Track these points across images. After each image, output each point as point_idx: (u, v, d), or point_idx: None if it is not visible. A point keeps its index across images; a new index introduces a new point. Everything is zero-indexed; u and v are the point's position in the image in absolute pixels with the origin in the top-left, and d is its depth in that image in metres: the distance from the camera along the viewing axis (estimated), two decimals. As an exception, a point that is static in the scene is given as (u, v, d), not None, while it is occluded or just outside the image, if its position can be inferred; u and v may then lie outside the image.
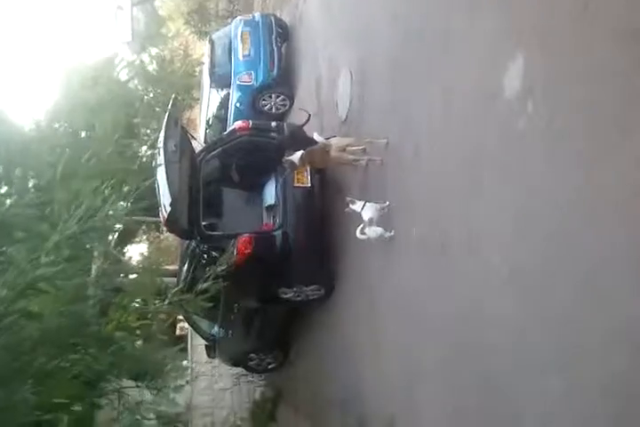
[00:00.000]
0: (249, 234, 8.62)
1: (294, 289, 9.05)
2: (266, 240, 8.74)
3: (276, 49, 12.79)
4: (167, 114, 8.77)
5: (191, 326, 11.23)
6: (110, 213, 6.10)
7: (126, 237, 24.52)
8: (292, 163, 7.77)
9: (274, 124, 9.58)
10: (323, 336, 9.63)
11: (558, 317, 4.10)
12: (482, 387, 5.07)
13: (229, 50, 13.12)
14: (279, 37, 12.99)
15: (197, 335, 11.86)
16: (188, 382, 13.78)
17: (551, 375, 4.14)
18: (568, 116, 4.11)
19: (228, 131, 9.73)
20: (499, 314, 4.82)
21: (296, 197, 8.85)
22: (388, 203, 6.90)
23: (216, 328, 10.72)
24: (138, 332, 7.39)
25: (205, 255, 9.21)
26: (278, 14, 13.93)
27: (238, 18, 13.74)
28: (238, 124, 9.58)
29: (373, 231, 6.81)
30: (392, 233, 6.79)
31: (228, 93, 13.31)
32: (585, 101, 3.93)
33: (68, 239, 5.45)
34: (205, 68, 14.13)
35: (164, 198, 8.17)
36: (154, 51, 27.27)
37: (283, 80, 12.84)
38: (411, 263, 6.55)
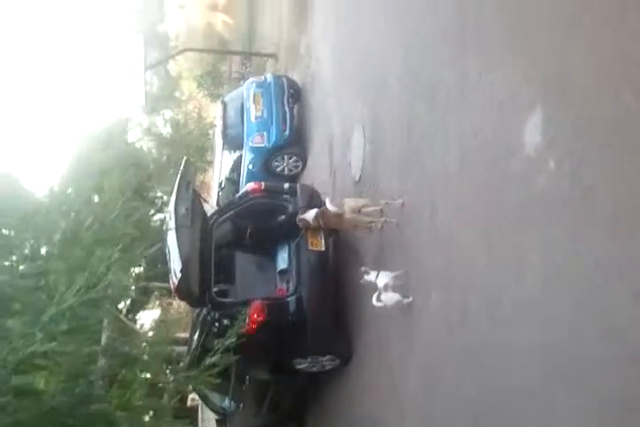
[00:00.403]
0: (261, 300, 8.20)
1: (309, 359, 8.57)
2: (279, 307, 8.31)
3: (288, 110, 12.71)
4: (179, 176, 8.52)
5: (201, 398, 10.68)
6: (113, 281, 5.77)
7: (138, 304, 24.15)
8: (306, 221, 7.46)
9: (286, 185, 9.31)
10: (340, 408, 9.07)
11: (588, 386, 3.66)
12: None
13: (242, 111, 13.05)
14: (291, 98, 12.94)
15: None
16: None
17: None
18: (595, 174, 3.76)
19: (240, 193, 9.47)
20: (525, 386, 4.36)
21: (310, 261, 8.45)
22: (404, 271, 6.53)
23: (227, 401, 10.16)
24: (142, 410, 6.85)
25: (217, 324, 8.77)
26: (290, 75, 13.91)
27: (250, 79, 13.74)
28: (250, 185, 9.32)
29: (390, 298, 6.41)
30: (410, 299, 6.38)
31: (241, 155, 13.18)
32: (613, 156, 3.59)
33: (65, 311, 5.10)
34: (218, 131, 14.06)
35: (175, 264, 7.84)
36: (167, 114, 27.64)
37: (295, 141, 12.73)
38: (431, 331, 6.09)
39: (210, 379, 6.75)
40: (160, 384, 8.10)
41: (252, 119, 12.66)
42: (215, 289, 8.87)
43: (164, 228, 8.23)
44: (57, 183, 23.01)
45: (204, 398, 10.58)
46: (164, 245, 8.31)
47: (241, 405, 9.86)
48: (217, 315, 8.74)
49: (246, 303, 8.20)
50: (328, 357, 8.57)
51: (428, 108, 6.40)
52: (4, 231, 20.74)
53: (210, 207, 10.39)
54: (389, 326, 7.13)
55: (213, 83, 19.74)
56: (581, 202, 3.86)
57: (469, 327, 5.28)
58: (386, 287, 6.39)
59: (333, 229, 8.42)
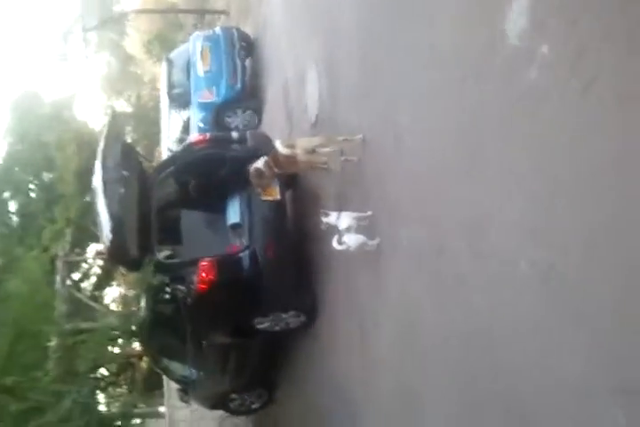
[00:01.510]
0: (210, 258, 7.37)
1: (270, 317, 7.79)
2: (231, 264, 7.48)
3: (239, 62, 11.82)
4: (106, 129, 7.60)
5: (160, 369, 9.86)
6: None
7: (104, 281, 23.26)
8: (258, 170, 6.62)
9: (235, 134, 8.45)
10: (310, 369, 8.31)
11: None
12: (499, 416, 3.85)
13: (188, 68, 12.10)
14: (242, 50, 12.03)
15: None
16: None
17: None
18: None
19: (181, 146, 8.55)
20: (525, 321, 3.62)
21: (264, 212, 7.62)
22: (369, 213, 5.76)
23: (187, 369, 9.36)
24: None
25: (165, 288, 7.98)
26: (242, 28, 12.95)
27: (196, 33, 12.76)
28: (194, 137, 8.48)
29: (354, 240, 5.64)
30: (377, 241, 5.63)
31: (189, 116, 12.25)
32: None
33: None
34: (163, 90, 13.03)
35: (105, 225, 6.98)
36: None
37: (248, 94, 11.88)
38: (404, 274, 5.34)
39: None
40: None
41: (200, 74, 11.72)
42: (162, 253, 8.07)
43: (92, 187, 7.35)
44: (1, 162, 21.94)
45: (164, 368, 9.79)
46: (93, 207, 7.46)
47: (203, 372, 9.07)
48: (165, 279, 7.95)
49: (195, 263, 7.38)
50: (291, 313, 7.82)
51: (389, 20, 5.59)
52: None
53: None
54: (356, 273, 6.38)
55: (162, 48, 18.59)
56: (583, 98, 3.08)
57: (447, 265, 4.55)
58: (348, 229, 5.62)
59: (290, 175, 7.67)
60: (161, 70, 13.70)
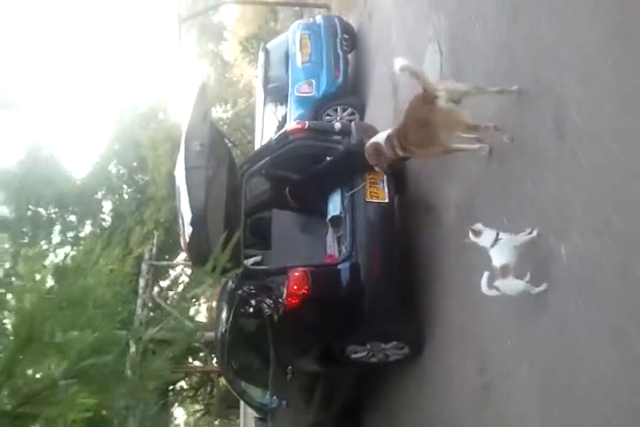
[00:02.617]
0: (304, 268, 6.18)
1: (368, 346, 6.53)
2: (327, 276, 6.26)
3: (341, 53, 10.64)
4: (193, 102, 6.52)
5: (237, 392, 8.70)
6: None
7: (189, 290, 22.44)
8: (376, 146, 5.22)
9: (338, 124, 7.24)
10: (406, 407, 7.00)
11: None
12: None
13: (286, 59, 11.04)
14: (345, 42, 10.87)
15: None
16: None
17: None
18: None
19: (276, 135, 7.42)
20: None
21: (369, 217, 6.35)
22: (535, 232, 4.16)
23: (268, 396, 8.14)
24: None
25: (248, 299, 6.83)
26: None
27: (296, 22, 11.70)
28: (291, 126, 7.28)
29: (511, 286, 4.14)
30: (543, 288, 4.06)
31: (287, 113, 11.16)
32: None
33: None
34: (259, 82, 12.01)
35: (185, 215, 5.91)
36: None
37: (350, 90, 10.67)
38: (574, 311, 3.92)
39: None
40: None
41: (299, 64, 10.60)
42: (248, 260, 6.99)
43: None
44: (97, 160, 21.67)
45: (242, 393, 8.61)
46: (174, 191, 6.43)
47: (284, 401, 7.83)
48: (248, 288, 6.80)
49: (285, 272, 6.22)
50: (393, 343, 6.51)
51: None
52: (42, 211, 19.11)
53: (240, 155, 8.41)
54: (488, 305, 5.00)
55: (260, 46, 17.69)
56: None
57: None
58: (505, 270, 4.09)
59: (401, 175, 6.37)
60: (258, 61, 12.70)
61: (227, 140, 7.30)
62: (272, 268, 6.60)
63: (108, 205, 22.19)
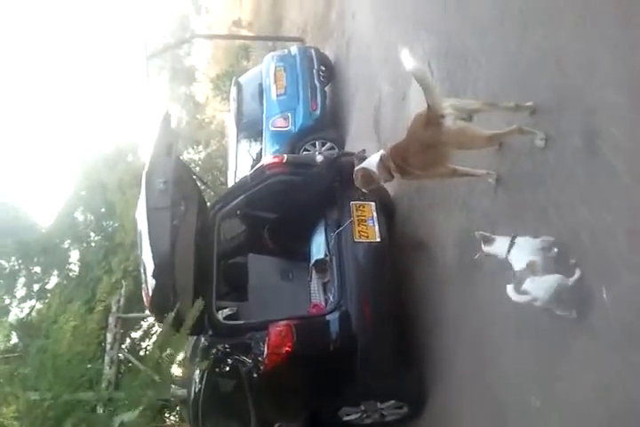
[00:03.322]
0: (286, 321, 5.33)
1: (362, 407, 5.69)
2: (314, 329, 5.41)
3: (318, 85, 9.98)
4: (155, 136, 5.71)
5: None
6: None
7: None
8: (365, 171, 4.55)
9: (320, 157, 6.47)
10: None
11: None
12: None
13: (260, 93, 10.37)
14: (322, 73, 10.24)
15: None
16: None
17: None
18: None
19: (252, 171, 6.63)
20: None
21: (358, 259, 5.53)
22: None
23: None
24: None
25: (223, 358, 5.95)
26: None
27: (270, 54, 11.06)
28: (268, 160, 6.53)
29: (542, 284, 3.36)
30: (578, 275, 3.37)
31: (261, 150, 10.42)
32: None
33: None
34: (231, 117, 11.28)
35: (147, 265, 5.08)
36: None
37: (328, 123, 9.99)
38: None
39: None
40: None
41: (273, 97, 9.93)
42: (222, 310, 6.15)
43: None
44: (62, 207, 20.60)
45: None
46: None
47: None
48: (223, 346, 5.93)
49: (265, 327, 5.36)
50: (390, 402, 5.68)
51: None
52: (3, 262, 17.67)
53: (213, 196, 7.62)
54: (506, 342, 4.22)
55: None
56: None
57: None
58: (532, 268, 3.40)
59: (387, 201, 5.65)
60: (230, 96, 11.99)
61: (195, 177, 6.47)
62: (249, 322, 5.72)
63: (75, 255, 21.07)
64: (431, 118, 3.80)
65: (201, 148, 25.80)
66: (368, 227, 5.65)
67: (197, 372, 6.46)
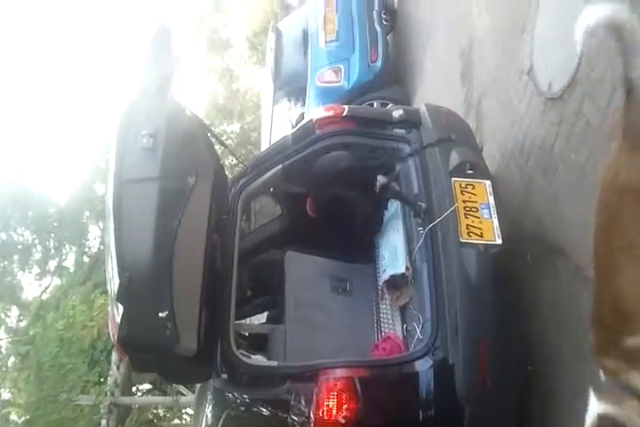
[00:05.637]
0: (345, 367, 3.27)
1: None
2: (391, 385, 3.32)
3: (379, 30, 7.84)
4: (144, 61, 3.55)
5: None
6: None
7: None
8: None
9: (398, 112, 4.28)
10: None
11: None
12: None
13: (304, 40, 8.26)
14: (384, 15, 8.07)
15: None
16: None
17: None
18: None
19: (296, 127, 4.47)
20: None
21: (467, 273, 3.34)
22: None
23: None
24: None
25: (243, 412, 3.90)
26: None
27: (321, -10, 8.86)
28: (319, 113, 4.36)
29: None
30: None
31: (303, 114, 8.33)
32: None
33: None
34: (267, 72, 9.15)
35: (112, 279, 3.03)
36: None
37: (390, 79, 7.85)
38: None
39: None
40: None
41: (322, 45, 7.82)
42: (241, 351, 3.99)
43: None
44: (81, 179, 18.89)
45: None
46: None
47: None
48: (244, 397, 3.85)
49: (312, 377, 3.29)
50: None
51: None
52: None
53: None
54: None
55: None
56: None
57: None
58: None
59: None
60: (266, 46, 9.85)
61: (211, 136, 4.32)
62: (287, 366, 3.62)
63: (94, 231, 19.35)
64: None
65: (234, 120, 23.88)
66: (482, 220, 3.50)
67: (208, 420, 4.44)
